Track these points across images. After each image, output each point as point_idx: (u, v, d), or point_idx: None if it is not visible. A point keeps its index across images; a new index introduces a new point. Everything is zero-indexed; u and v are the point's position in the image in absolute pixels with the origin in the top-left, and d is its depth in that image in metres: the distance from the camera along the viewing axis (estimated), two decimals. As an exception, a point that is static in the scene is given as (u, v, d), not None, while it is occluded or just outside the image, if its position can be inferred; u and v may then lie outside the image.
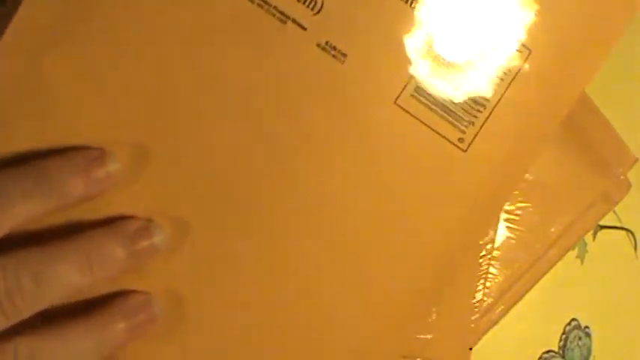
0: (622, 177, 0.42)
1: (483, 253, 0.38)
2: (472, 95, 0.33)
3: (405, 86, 0.33)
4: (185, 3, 0.31)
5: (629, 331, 0.50)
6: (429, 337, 0.37)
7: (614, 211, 0.48)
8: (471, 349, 0.38)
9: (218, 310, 0.32)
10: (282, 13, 0.31)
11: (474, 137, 0.33)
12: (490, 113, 0.33)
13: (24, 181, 0.28)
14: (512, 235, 0.40)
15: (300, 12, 0.31)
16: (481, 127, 0.33)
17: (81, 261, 0.29)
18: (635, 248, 0.50)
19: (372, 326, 0.34)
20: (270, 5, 0.31)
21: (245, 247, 0.32)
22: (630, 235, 0.49)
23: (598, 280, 0.48)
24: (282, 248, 0.33)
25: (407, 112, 0.33)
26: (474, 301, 0.38)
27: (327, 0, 0.31)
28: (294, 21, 0.31)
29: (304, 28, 0.31)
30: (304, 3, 0.31)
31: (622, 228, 0.49)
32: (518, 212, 0.40)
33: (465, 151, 0.33)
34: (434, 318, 0.37)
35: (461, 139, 0.33)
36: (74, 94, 0.31)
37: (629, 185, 0.43)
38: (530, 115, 0.34)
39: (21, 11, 0.30)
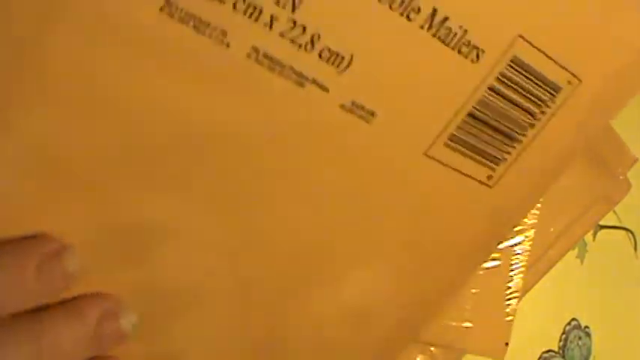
0: (622, 177, 0.43)
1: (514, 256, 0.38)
2: (509, 131, 0.31)
3: (440, 135, 0.30)
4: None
5: (629, 331, 0.50)
6: (465, 325, 0.37)
7: (614, 211, 0.48)
8: (507, 344, 0.38)
9: None
10: (299, 74, 0.26)
11: (503, 174, 0.32)
12: (523, 149, 0.31)
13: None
14: (511, 236, 0.40)
15: (322, 71, 0.26)
16: (511, 164, 0.31)
17: (32, 352, 0.25)
18: (635, 248, 0.50)
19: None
20: (283, 67, 0.26)
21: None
22: (630, 235, 0.50)
23: (598, 280, 0.48)
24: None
25: (437, 161, 0.30)
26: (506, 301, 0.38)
27: (355, 54, 0.27)
28: (314, 82, 0.26)
29: (326, 90, 0.27)
30: (327, 60, 0.27)
31: (622, 228, 0.49)
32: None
33: (492, 187, 0.32)
34: (469, 308, 0.37)
35: (490, 177, 0.31)
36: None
37: (629, 185, 0.43)
38: (562, 150, 0.33)
39: None
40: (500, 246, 0.36)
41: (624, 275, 0.50)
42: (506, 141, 0.31)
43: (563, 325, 0.48)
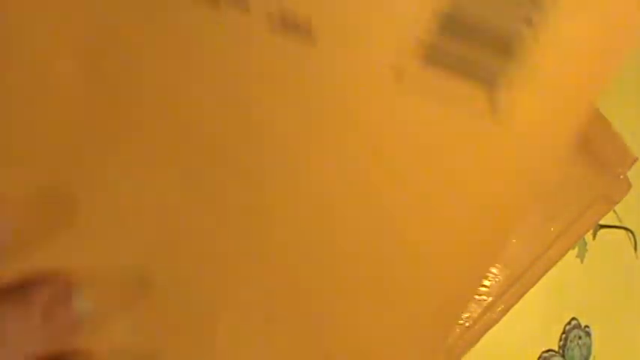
0: (622, 177, 0.42)
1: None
2: (503, 43, 0.23)
3: (412, 54, 0.23)
4: None
5: (629, 331, 0.50)
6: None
7: (614, 211, 0.48)
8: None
9: None
10: None
11: (513, 101, 0.24)
12: (526, 67, 0.22)
13: None
14: (511, 234, 0.40)
15: None
16: (518, 88, 0.23)
17: None
18: (635, 248, 0.50)
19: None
20: None
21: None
22: (630, 234, 0.50)
23: (598, 279, 0.48)
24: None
25: (418, 91, 0.23)
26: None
27: None
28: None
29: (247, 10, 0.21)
30: None
31: (622, 227, 0.49)
32: (519, 211, 0.40)
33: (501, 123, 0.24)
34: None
35: (494, 106, 0.23)
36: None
37: (629, 185, 0.43)
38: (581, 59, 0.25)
39: None
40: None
41: (624, 275, 0.50)
42: (503, 56, 0.23)
43: (563, 324, 0.47)
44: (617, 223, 0.49)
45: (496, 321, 0.40)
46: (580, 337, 0.48)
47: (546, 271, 0.41)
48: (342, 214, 0.27)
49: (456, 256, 0.27)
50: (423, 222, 0.27)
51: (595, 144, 0.41)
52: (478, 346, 0.39)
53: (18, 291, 0.23)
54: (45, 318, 0.23)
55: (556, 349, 0.47)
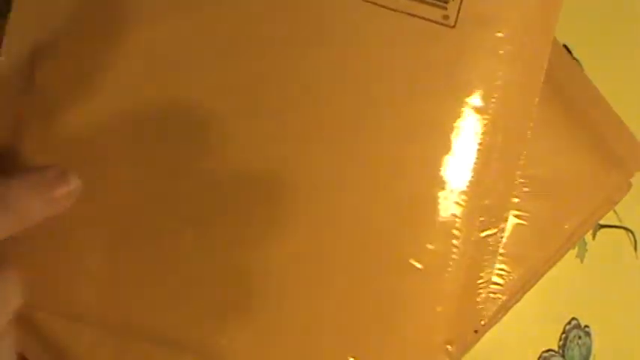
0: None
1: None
2: None
3: None
4: None
5: (629, 331, 0.50)
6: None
7: (614, 211, 0.48)
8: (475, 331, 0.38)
9: None
10: None
11: (458, 12, 0.32)
12: None
13: None
14: (525, 233, 0.40)
15: None
16: (462, 1, 0.32)
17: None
18: (635, 248, 0.50)
19: None
20: None
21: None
22: (630, 234, 0.49)
23: (598, 279, 0.48)
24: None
25: (379, 5, 0.32)
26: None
27: None
28: None
29: None
30: None
31: (622, 227, 0.49)
32: (532, 209, 0.40)
33: (453, 26, 0.32)
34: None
35: (445, 17, 0.32)
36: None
37: (629, 185, 0.42)
38: None
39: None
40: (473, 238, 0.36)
41: (624, 275, 0.50)
42: None
43: (563, 324, 0.47)
44: (617, 223, 0.49)
45: (497, 321, 0.40)
46: (580, 337, 0.48)
47: (546, 271, 0.41)
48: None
49: None
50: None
51: (608, 141, 0.41)
52: (478, 346, 0.39)
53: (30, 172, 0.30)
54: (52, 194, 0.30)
55: (556, 349, 0.47)
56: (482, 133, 0.34)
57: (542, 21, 0.34)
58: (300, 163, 0.33)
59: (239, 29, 0.32)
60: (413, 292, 0.34)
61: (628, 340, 0.50)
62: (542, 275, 0.40)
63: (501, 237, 0.35)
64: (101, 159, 0.33)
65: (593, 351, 0.48)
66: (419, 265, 0.34)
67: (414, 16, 0.32)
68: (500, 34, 0.33)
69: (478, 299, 0.35)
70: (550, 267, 0.41)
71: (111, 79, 0.32)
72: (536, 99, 0.34)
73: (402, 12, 0.32)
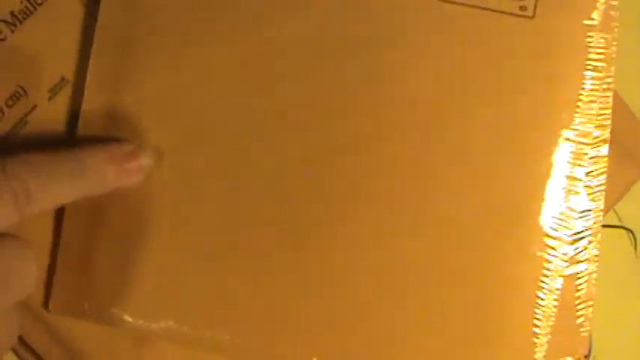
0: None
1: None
2: None
3: None
4: None
5: (629, 331, 0.50)
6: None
7: (614, 211, 0.48)
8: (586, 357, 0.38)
9: None
10: None
11: (536, 0, 0.33)
12: None
13: (62, 165, 0.31)
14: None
15: None
16: None
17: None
18: (635, 248, 0.50)
19: None
20: None
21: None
22: (630, 234, 0.49)
23: (598, 279, 0.48)
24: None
25: (457, 4, 0.33)
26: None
27: None
28: None
29: None
30: None
31: (622, 227, 0.49)
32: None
33: (532, 17, 0.32)
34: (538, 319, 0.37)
35: (523, 7, 0.32)
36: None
37: (629, 184, 0.42)
38: None
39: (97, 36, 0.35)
40: (564, 250, 0.35)
41: (624, 275, 0.50)
42: None
43: (563, 324, 0.47)
44: (617, 223, 0.49)
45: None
46: (580, 337, 0.48)
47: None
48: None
49: None
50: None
51: (621, 137, 0.41)
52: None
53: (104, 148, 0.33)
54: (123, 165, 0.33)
55: (556, 349, 0.47)
56: (574, 130, 0.34)
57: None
58: (397, 163, 0.33)
59: (327, 33, 0.34)
60: (506, 304, 0.34)
61: (628, 340, 0.50)
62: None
63: (597, 249, 0.35)
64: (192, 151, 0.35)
65: (593, 352, 0.48)
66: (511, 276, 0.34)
67: (490, 10, 0.32)
68: (585, 20, 0.33)
69: (579, 320, 0.35)
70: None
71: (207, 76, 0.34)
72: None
73: (477, 7, 0.33)
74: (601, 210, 0.35)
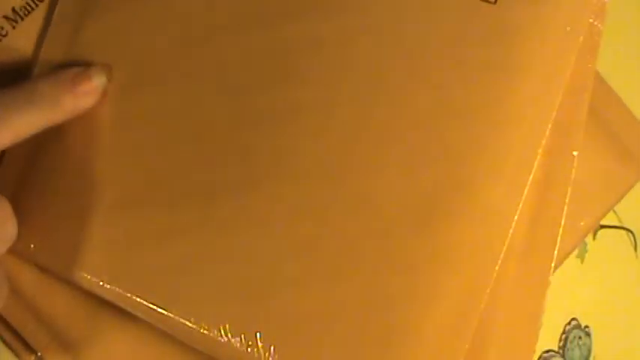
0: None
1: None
2: None
3: None
4: None
5: (629, 331, 0.50)
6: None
7: (614, 211, 0.48)
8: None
9: None
10: None
11: None
12: None
13: (16, 97, 0.31)
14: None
15: None
16: None
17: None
18: (635, 248, 0.50)
19: None
20: None
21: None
22: (630, 235, 0.50)
23: (598, 279, 0.48)
24: None
25: None
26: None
27: None
28: None
29: None
30: None
31: (622, 228, 0.49)
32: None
33: (495, 3, 0.32)
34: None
35: None
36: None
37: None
38: None
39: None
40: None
41: (624, 275, 0.50)
42: None
43: (563, 324, 0.47)
44: (617, 223, 0.49)
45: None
46: (580, 337, 0.48)
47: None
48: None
49: None
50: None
51: (622, 139, 0.41)
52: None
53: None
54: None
55: (556, 349, 0.47)
56: (525, 120, 0.32)
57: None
58: (328, 136, 0.33)
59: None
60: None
61: (628, 340, 0.50)
62: (552, 273, 0.40)
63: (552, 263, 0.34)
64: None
65: (593, 351, 0.48)
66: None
67: None
68: (545, 11, 0.32)
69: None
70: (558, 266, 0.40)
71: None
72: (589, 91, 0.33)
73: None
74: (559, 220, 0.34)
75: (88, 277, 0.33)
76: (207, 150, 0.33)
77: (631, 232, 0.50)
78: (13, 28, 0.35)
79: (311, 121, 0.33)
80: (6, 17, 0.35)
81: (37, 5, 0.35)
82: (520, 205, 0.31)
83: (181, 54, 0.34)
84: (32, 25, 0.36)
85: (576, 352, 0.48)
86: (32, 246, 0.34)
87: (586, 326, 0.48)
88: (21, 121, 0.31)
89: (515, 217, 0.31)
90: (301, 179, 0.32)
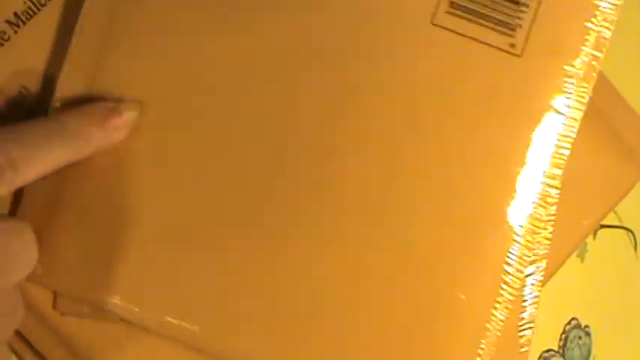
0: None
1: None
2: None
3: (439, 3, 0.33)
4: None
5: (629, 331, 0.50)
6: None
7: (614, 211, 0.48)
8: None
9: None
10: None
11: (526, 40, 0.33)
12: (535, 13, 0.33)
13: (44, 131, 0.31)
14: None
15: None
16: (530, 29, 0.33)
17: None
18: (635, 248, 0.50)
19: None
20: None
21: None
22: (630, 234, 0.50)
23: (598, 279, 0.48)
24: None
25: (449, 30, 0.33)
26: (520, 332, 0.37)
27: None
28: None
29: None
30: None
31: (622, 227, 0.49)
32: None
33: (520, 55, 0.33)
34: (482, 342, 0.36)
35: (512, 45, 0.33)
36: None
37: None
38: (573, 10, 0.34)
39: (81, 20, 0.34)
40: (509, 278, 0.36)
41: (624, 275, 0.50)
42: (512, 6, 0.33)
43: (563, 324, 0.47)
44: (617, 223, 0.49)
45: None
46: (580, 337, 0.48)
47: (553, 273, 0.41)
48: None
49: None
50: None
51: (624, 138, 0.41)
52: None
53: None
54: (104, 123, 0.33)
55: (556, 348, 0.47)
56: (544, 166, 0.34)
57: (595, 46, 0.34)
58: (365, 175, 0.34)
59: (321, 38, 0.34)
60: (453, 324, 0.34)
61: (628, 340, 0.50)
62: (553, 273, 0.40)
63: (542, 276, 0.35)
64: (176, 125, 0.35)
65: (593, 351, 0.49)
66: (463, 297, 0.33)
67: (480, 42, 0.33)
68: (565, 64, 0.34)
69: (522, 340, 0.35)
70: (559, 266, 0.40)
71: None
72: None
73: (469, 37, 0.33)
74: (549, 239, 0.35)
75: (129, 306, 0.33)
76: (248, 185, 0.34)
77: (631, 232, 0.50)
78: (15, 32, 0.35)
79: (349, 158, 0.34)
80: (8, 21, 0.35)
81: (38, 9, 0.35)
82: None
83: (216, 92, 0.34)
84: (35, 30, 0.35)
85: (576, 352, 0.48)
86: (62, 279, 0.34)
87: (586, 326, 0.48)
88: (50, 157, 0.31)
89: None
90: (342, 213, 0.34)
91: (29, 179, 0.30)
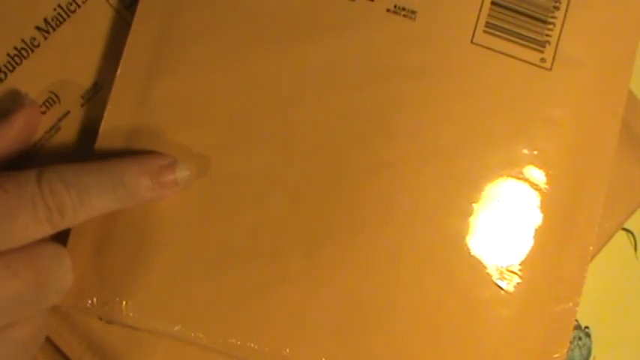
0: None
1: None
2: (538, 15, 0.36)
3: (476, 24, 0.36)
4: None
5: (629, 331, 0.50)
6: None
7: (614, 211, 0.49)
8: None
9: None
10: None
11: (554, 55, 0.36)
12: (561, 31, 0.36)
13: (96, 179, 0.31)
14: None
15: None
16: (557, 45, 0.36)
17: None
18: (635, 248, 0.50)
19: None
20: None
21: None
22: (630, 235, 0.50)
23: (598, 280, 0.49)
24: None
25: (487, 48, 0.36)
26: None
27: None
28: None
29: (372, 0, 0.35)
30: None
31: (622, 228, 0.49)
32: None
33: (550, 69, 0.35)
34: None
35: (542, 60, 0.35)
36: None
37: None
38: (605, 31, 0.37)
39: (126, 51, 0.35)
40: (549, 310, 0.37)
41: (624, 275, 0.50)
42: (540, 24, 0.36)
43: (563, 324, 0.48)
44: (617, 223, 0.49)
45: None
46: (580, 338, 0.48)
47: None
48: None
49: None
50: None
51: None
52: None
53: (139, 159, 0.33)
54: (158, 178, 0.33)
55: (556, 349, 0.47)
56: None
57: (625, 58, 0.37)
58: (397, 193, 0.35)
59: (364, 57, 0.36)
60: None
61: (628, 340, 0.50)
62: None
63: (576, 310, 0.37)
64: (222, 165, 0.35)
65: (593, 352, 0.49)
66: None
67: (513, 58, 0.36)
68: (592, 78, 0.36)
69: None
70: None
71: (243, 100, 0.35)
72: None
73: (503, 54, 0.36)
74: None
75: (195, 333, 0.34)
76: (305, 204, 0.35)
77: (631, 232, 0.50)
78: (45, 39, 0.35)
79: (404, 173, 0.36)
80: (38, 28, 0.35)
81: (68, 16, 0.35)
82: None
83: (270, 114, 0.35)
84: (65, 36, 0.35)
85: (576, 353, 0.48)
86: (123, 305, 0.34)
87: (586, 326, 0.48)
88: (99, 205, 0.31)
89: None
90: (398, 228, 0.35)
91: (75, 223, 0.31)
